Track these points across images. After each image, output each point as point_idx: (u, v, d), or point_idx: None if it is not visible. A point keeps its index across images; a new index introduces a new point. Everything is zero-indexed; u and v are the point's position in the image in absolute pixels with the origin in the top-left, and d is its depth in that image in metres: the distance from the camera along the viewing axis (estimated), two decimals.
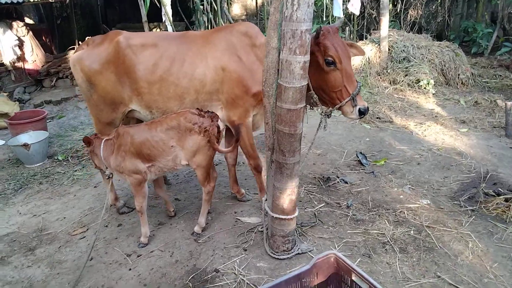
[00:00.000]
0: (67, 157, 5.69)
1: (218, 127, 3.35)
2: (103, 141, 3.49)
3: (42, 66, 9.38)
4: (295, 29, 2.64)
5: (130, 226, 3.87)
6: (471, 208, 3.84)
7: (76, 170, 5.28)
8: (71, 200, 4.50)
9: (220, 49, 3.56)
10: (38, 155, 5.52)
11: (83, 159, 5.63)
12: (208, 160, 3.40)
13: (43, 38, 10.26)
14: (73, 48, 10.01)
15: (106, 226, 3.92)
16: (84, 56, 3.69)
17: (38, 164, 5.51)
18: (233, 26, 3.74)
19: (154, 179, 3.58)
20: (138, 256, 3.42)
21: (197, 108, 3.40)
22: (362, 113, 3.08)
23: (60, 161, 5.59)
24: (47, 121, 6.86)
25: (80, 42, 10.13)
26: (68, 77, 9.43)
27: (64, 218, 4.13)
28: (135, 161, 3.36)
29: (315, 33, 2.97)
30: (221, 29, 3.79)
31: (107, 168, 3.54)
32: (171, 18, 7.83)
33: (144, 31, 7.28)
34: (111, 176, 3.63)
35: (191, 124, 3.26)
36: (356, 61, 8.70)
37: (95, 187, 4.79)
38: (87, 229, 3.89)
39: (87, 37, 9.80)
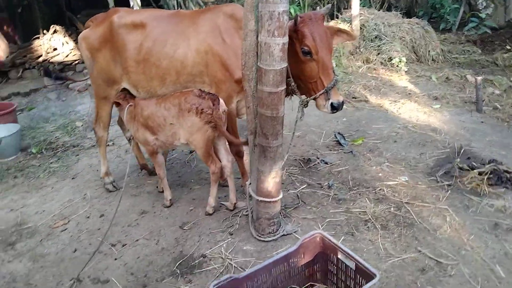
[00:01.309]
0: (41, 150, 5.53)
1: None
2: (127, 106, 3.72)
3: (6, 57, 8.98)
4: (273, 10, 2.62)
5: (113, 216, 3.82)
6: (447, 183, 3.97)
7: (52, 162, 5.14)
8: (49, 193, 4.40)
9: (204, 30, 3.49)
10: (11, 149, 5.35)
11: (58, 150, 5.49)
12: (205, 141, 3.43)
13: (5, 28, 9.83)
14: (38, 38, 9.63)
15: (88, 217, 3.87)
16: (88, 35, 3.91)
17: (11, 158, 5.34)
18: (221, 7, 3.66)
19: (163, 151, 3.86)
20: (123, 246, 3.40)
21: (200, 89, 3.43)
22: (334, 108, 3.07)
23: (34, 154, 5.43)
24: (17, 113, 6.62)
25: (44, 31, 9.73)
26: (35, 67, 9.08)
27: (44, 211, 4.04)
28: (145, 132, 3.64)
29: (293, 20, 2.95)
30: (208, 10, 3.72)
31: (128, 130, 3.96)
32: (139, 4, 7.61)
33: None
34: (132, 138, 4.05)
35: (190, 104, 3.31)
36: None
37: (73, 178, 4.69)
38: (68, 221, 3.82)
39: (52, 25, 9.57)
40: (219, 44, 3.46)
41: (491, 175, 3.90)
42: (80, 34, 4.02)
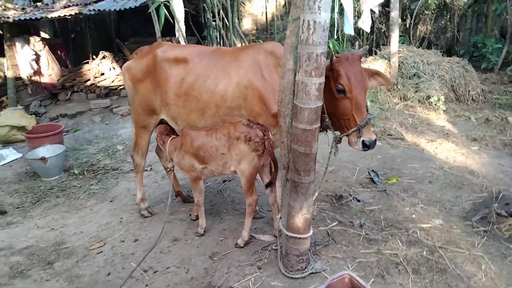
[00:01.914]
0: (83, 171, 5.80)
1: (264, 139, 3.48)
2: (170, 139, 3.95)
3: (57, 80, 9.59)
4: (311, 52, 2.72)
5: (147, 241, 3.94)
6: (484, 229, 3.86)
7: (92, 184, 5.38)
8: (87, 214, 4.59)
9: (245, 66, 3.63)
10: (55, 169, 5.65)
11: (98, 173, 5.74)
12: (252, 170, 3.53)
13: (58, 52, 10.48)
14: (87, 62, 10.21)
15: (123, 241, 4.00)
16: (131, 66, 4.12)
17: (54, 178, 5.63)
18: (261, 45, 3.82)
19: (206, 178, 4.00)
20: (154, 272, 3.48)
21: (248, 119, 3.56)
22: (366, 145, 3.12)
23: (76, 175, 5.71)
24: (63, 134, 6.99)
25: (94, 56, 10.31)
26: (83, 90, 9.60)
27: (81, 232, 4.22)
28: (193, 160, 3.75)
29: (328, 59, 3.04)
30: (249, 47, 3.88)
31: (170, 161, 4.05)
32: (184, 34, 7.96)
33: None
34: (172, 168, 4.23)
35: (238, 133, 3.46)
36: None
37: (111, 201, 4.88)
38: (104, 244, 3.97)
39: (101, 51, 10.14)
40: (259, 80, 3.59)
41: None
42: (124, 65, 4.23)
